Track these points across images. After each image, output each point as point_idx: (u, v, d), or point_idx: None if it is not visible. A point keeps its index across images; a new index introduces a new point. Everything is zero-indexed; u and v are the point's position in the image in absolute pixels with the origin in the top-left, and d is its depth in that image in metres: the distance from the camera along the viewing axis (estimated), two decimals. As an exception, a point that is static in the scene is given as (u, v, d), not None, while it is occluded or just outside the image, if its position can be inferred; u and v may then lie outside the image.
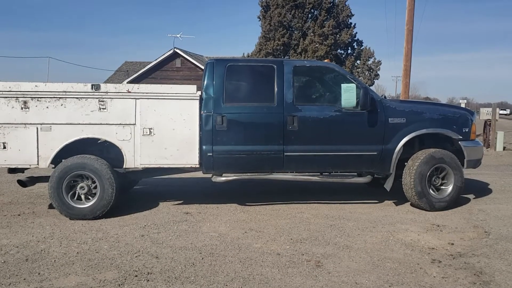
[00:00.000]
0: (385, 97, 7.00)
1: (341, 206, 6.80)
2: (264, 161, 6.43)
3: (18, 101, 5.94)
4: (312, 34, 35.90)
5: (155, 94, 6.16)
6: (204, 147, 6.28)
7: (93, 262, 4.42)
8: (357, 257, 4.62)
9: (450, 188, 6.56)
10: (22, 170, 6.47)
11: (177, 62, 34.22)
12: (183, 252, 4.73)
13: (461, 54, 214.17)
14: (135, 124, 6.13)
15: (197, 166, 6.35)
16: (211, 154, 6.28)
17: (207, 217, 6.16)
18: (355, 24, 37.71)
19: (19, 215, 6.28)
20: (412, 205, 6.72)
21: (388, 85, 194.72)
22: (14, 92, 5.93)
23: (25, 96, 5.94)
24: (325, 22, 35.81)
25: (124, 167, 6.24)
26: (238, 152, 6.33)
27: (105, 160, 6.16)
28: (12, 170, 6.38)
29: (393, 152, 6.49)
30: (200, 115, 6.26)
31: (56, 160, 6.13)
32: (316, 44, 35.24)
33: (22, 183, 6.37)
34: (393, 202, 7.05)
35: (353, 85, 6.32)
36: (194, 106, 6.23)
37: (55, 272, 4.16)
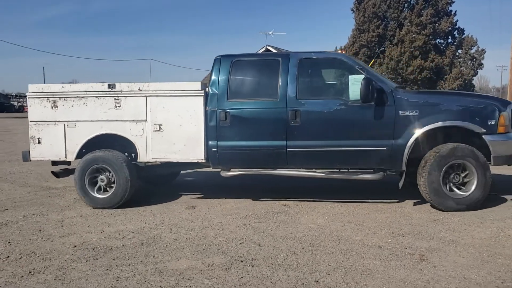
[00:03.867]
0: (404, 87, 6.42)
1: (445, 201, 6.51)
2: (267, 157, 6.38)
3: (49, 101, 6.63)
4: (409, 24, 34.38)
5: (162, 92, 6.45)
6: (209, 142, 6.42)
7: (201, 248, 4.71)
8: (464, 252, 4.44)
9: (473, 187, 5.92)
10: (66, 162, 7.01)
11: (269, 59, 34.64)
12: (284, 241, 4.87)
13: None
14: (146, 120, 6.48)
15: (203, 161, 6.52)
16: (215, 149, 6.41)
17: (304, 209, 6.26)
18: (455, 11, 35.46)
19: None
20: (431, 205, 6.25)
21: (492, 75, 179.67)
22: (46, 93, 6.64)
23: (54, 96, 6.61)
24: (422, 11, 34.13)
25: (138, 161, 6.64)
26: (241, 148, 6.37)
27: (127, 154, 6.65)
28: (54, 163, 7.07)
29: (405, 147, 5.98)
30: (206, 111, 6.39)
31: (83, 154, 6.66)
32: (413, 34, 33.73)
33: (56, 174, 7.03)
34: (501, 197, 6.61)
35: (361, 77, 5.92)
36: (198, 103, 6.39)
37: (168, 256, 4.51)
